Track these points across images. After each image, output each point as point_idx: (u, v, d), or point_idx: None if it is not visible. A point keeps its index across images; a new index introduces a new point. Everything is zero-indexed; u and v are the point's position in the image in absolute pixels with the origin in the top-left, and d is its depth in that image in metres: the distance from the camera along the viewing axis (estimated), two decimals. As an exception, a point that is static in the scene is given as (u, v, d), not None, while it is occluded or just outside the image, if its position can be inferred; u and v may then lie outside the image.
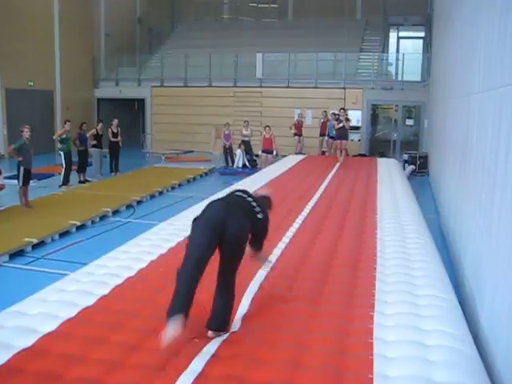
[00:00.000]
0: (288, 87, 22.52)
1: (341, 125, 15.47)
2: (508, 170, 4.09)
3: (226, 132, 18.17)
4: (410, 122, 22.73)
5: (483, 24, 6.08)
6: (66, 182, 13.86)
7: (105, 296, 4.76)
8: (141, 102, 25.18)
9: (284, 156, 17.99)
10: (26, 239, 8.12)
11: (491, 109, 5.11)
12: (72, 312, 4.38)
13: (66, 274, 5.74)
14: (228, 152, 18.16)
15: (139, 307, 4.53)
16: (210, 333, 4.10)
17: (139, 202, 11.87)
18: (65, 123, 14.47)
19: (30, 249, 8.06)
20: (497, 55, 4.96)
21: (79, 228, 9.51)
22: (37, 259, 7.72)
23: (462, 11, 8.57)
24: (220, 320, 4.16)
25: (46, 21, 21.97)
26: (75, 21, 23.30)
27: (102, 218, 10.31)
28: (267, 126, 17.35)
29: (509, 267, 3.78)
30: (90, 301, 4.63)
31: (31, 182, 11.43)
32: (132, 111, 25.83)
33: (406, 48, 25.41)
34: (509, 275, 3.76)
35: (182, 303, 3.72)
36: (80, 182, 14.60)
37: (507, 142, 4.17)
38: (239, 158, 17.61)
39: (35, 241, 8.18)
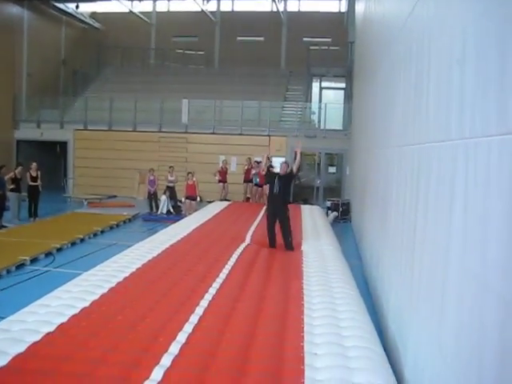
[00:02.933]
0: (213, 133, 22.76)
1: (263, 173, 15.82)
2: (428, 223, 4.26)
3: (151, 177, 17.98)
4: (332, 169, 23.41)
5: (401, 82, 6.42)
6: (-20, 227, 13.21)
7: (20, 354, 4.47)
8: (63, 145, 24.61)
9: (209, 202, 18.00)
10: None
11: (409, 163, 5.35)
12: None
13: (-23, 331, 5.37)
14: (152, 198, 17.94)
15: (57, 365, 4.29)
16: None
17: (59, 250, 11.40)
18: (-19, 166, 13.91)
19: None
20: (413, 114, 5.23)
21: (-7, 278, 9.02)
22: None
23: (382, 69, 9.02)
24: (289, 244, 9.62)
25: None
26: (-5, 59, 22.68)
27: (19, 266, 9.81)
28: (189, 172, 17.36)
29: (430, 320, 3.89)
30: (3, 360, 4.33)
31: None
32: (54, 154, 25.17)
33: (328, 98, 26.32)
34: (431, 329, 3.87)
35: (272, 243, 9.81)
36: (-5, 227, 13.95)
37: (425, 197, 4.36)
38: (164, 204, 17.44)
39: None
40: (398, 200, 6.14)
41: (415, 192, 4.91)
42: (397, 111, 6.65)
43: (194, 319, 5.38)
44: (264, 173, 16.21)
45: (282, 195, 9.83)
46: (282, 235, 9.70)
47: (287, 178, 10.03)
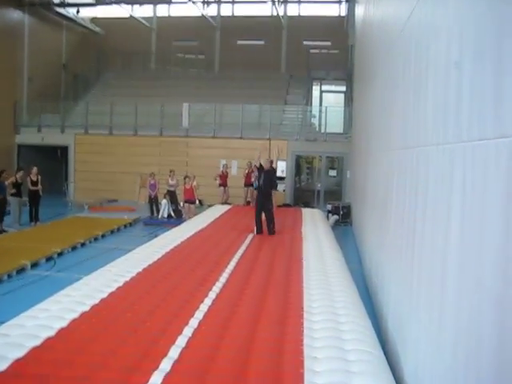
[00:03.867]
0: (214, 137, 22.77)
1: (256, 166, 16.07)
2: (426, 226, 4.25)
3: (152, 181, 17.98)
4: (333, 172, 23.41)
5: (400, 85, 6.42)
6: (-20, 232, 13.22)
7: (19, 359, 4.47)
8: (64, 150, 24.62)
9: (210, 206, 18.01)
10: None
11: (409, 166, 5.35)
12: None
13: (-23, 335, 5.36)
14: (153, 202, 17.94)
15: (57, 370, 4.29)
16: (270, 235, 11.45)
17: (60, 254, 11.41)
18: (-18, 171, 13.93)
19: None
20: (413, 116, 5.23)
21: (-6, 283, 9.02)
22: None
23: (383, 73, 9.02)
24: (271, 230, 11.55)
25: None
26: (-4, 63, 22.70)
27: (20, 271, 9.81)
28: (186, 176, 17.33)
29: (430, 323, 3.89)
30: (2, 366, 4.32)
31: None
32: (55, 158, 25.16)
33: (328, 101, 26.30)
34: (430, 332, 3.86)
35: (259, 229, 11.63)
36: (-4, 232, 13.96)
37: (424, 200, 4.36)
38: (164, 208, 17.45)
39: None
40: (397, 203, 6.13)
41: (414, 195, 4.90)
42: (396, 114, 6.64)
43: (193, 323, 5.38)
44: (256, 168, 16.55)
45: (266, 188, 11.89)
46: (266, 223, 11.67)
47: (270, 173, 12.29)
